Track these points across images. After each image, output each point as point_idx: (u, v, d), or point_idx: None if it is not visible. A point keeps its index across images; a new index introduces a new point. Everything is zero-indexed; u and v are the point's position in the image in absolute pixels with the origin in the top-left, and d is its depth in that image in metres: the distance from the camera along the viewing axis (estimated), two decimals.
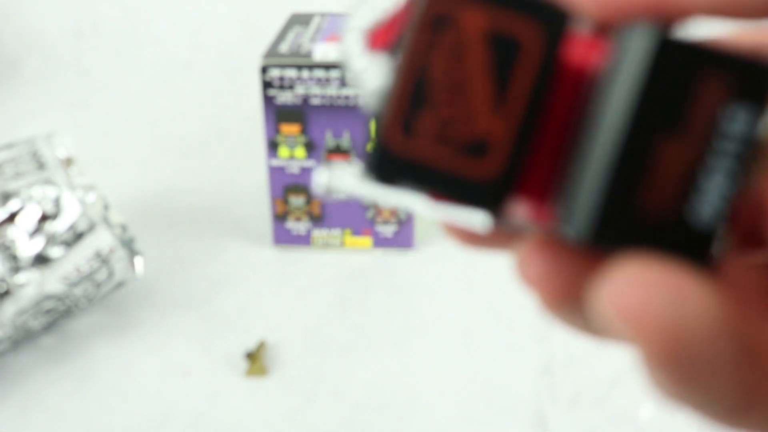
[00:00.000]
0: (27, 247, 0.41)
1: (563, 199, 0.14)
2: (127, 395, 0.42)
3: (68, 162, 0.43)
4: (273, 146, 0.51)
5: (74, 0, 0.93)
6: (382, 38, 0.15)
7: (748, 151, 0.13)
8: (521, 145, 0.14)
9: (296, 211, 0.54)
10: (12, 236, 0.40)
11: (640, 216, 0.13)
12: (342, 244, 0.55)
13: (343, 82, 0.49)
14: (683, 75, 0.13)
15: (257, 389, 0.42)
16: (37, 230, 0.41)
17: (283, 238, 0.55)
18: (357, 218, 0.54)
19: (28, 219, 0.41)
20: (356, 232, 0.54)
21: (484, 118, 0.14)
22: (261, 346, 0.44)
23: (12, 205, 0.41)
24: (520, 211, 0.15)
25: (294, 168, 0.52)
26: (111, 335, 0.46)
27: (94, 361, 0.44)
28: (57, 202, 0.42)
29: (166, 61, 0.91)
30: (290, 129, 0.51)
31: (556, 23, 0.14)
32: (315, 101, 0.50)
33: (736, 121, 0.13)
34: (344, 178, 0.15)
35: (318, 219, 0.54)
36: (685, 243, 0.13)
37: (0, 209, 0.41)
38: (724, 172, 0.13)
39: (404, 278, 0.52)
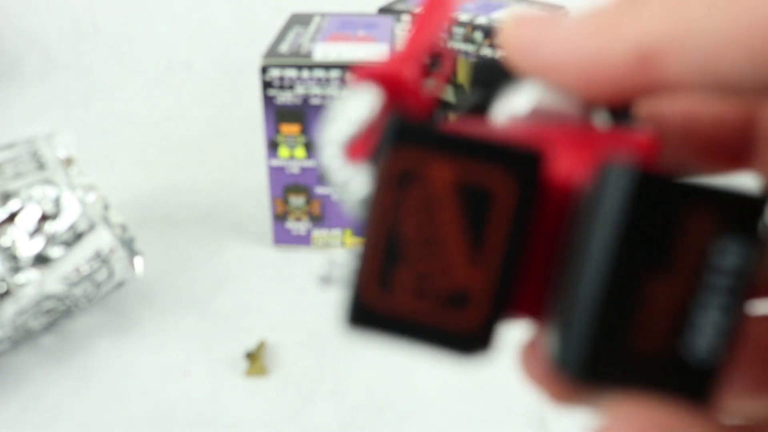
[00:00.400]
0: (27, 247, 0.41)
1: (553, 328, 0.14)
2: (127, 395, 0.42)
3: (68, 162, 0.43)
4: (273, 146, 0.51)
5: (74, 0, 0.93)
6: (360, 149, 0.15)
7: (743, 284, 0.12)
8: (502, 292, 0.14)
9: (296, 211, 0.54)
10: (12, 236, 0.40)
11: (631, 354, 0.13)
12: (343, 244, 0.55)
13: (343, 82, 0.49)
14: (666, 211, 0.12)
15: (257, 389, 0.42)
16: (37, 230, 0.41)
17: (283, 238, 0.55)
18: None
19: (28, 219, 0.41)
20: (357, 232, 0.54)
21: (461, 271, 0.14)
22: (261, 346, 0.44)
23: (12, 205, 0.41)
24: (516, 317, 0.15)
25: (294, 168, 0.52)
26: (111, 335, 0.46)
27: (94, 360, 0.44)
28: (57, 202, 0.42)
29: (166, 61, 0.91)
30: (290, 129, 0.51)
31: (527, 170, 0.13)
32: (315, 101, 0.50)
33: (728, 255, 0.12)
34: (345, 269, 0.15)
35: (318, 219, 0.54)
36: (680, 380, 0.13)
37: (0, 209, 0.41)
38: (718, 307, 0.12)
39: None
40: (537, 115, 0.15)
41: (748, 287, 0.12)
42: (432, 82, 0.16)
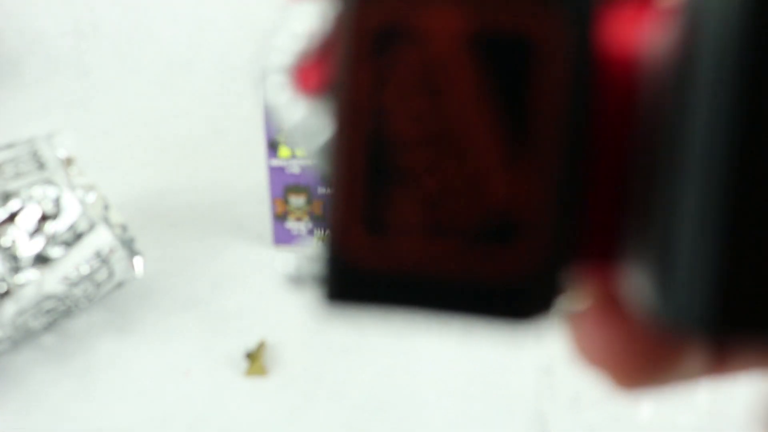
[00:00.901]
0: (27, 247, 0.41)
1: (642, 269, 0.09)
2: (128, 395, 0.42)
3: (68, 162, 0.43)
4: (273, 146, 0.51)
5: (74, 0, 0.93)
6: (314, 75, 0.10)
7: None
8: (568, 208, 0.09)
9: (296, 211, 0.54)
10: (12, 236, 0.40)
11: None
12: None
13: None
14: None
15: (257, 389, 0.42)
16: (37, 230, 0.41)
17: (283, 238, 0.55)
18: None
19: (28, 219, 0.41)
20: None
21: (498, 181, 0.09)
22: (261, 346, 0.44)
23: (12, 205, 0.41)
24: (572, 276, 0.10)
25: (294, 168, 0.52)
26: (111, 335, 0.46)
27: (94, 360, 0.44)
28: (57, 202, 0.42)
29: (166, 61, 0.91)
30: None
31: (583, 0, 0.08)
32: None
33: None
34: (315, 264, 0.10)
35: (319, 219, 0.54)
36: None
37: (0, 209, 0.41)
38: None
39: None
40: None
41: None
42: None
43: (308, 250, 0.11)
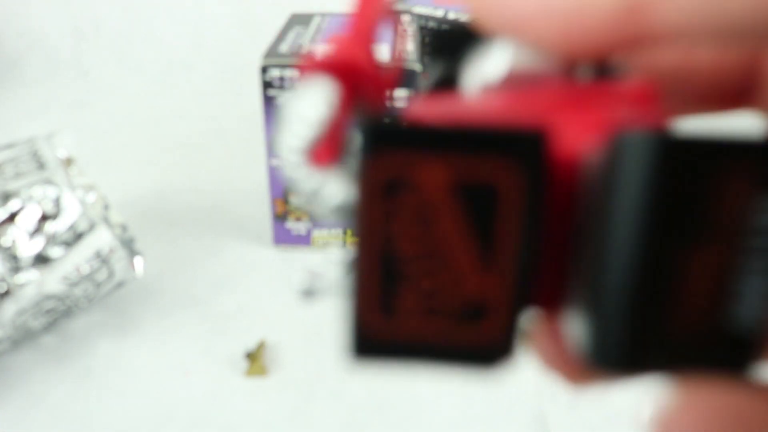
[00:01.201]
0: (27, 247, 0.41)
1: (577, 317, 0.13)
2: (128, 395, 0.42)
3: (68, 162, 0.43)
4: (273, 146, 0.51)
5: (74, 0, 0.93)
6: (325, 152, 0.14)
7: None
8: (521, 295, 0.12)
9: (296, 211, 0.54)
10: (12, 236, 0.40)
11: (672, 335, 0.12)
12: (343, 243, 0.55)
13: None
14: (698, 176, 0.11)
15: (257, 389, 0.42)
16: (37, 230, 0.41)
17: (283, 238, 0.55)
18: None
19: (28, 219, 0.41)
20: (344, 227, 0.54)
21: (473, 280, 0.12)
22: (261, 346, 0.44)
23: (12, 205, 0.41)
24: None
25: None
26: (111, 335, 0.46)
27: (94, 360, 0.44)
28: (57, 202, 0.42)
29: (166, 61, 0.91)
30: None
31: (532, 154, 0.12)
32: None
33: None
34: (328, 276, 0.14)
35: (319, 219, 0.54)
36: (724, 353, 0.12)
37: (0, 209, 0.41)
38: (763, 272, 0.11)
39: None
40: (513, 78, 0.13)
41: None
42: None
43: (319, 267, 0.14)
